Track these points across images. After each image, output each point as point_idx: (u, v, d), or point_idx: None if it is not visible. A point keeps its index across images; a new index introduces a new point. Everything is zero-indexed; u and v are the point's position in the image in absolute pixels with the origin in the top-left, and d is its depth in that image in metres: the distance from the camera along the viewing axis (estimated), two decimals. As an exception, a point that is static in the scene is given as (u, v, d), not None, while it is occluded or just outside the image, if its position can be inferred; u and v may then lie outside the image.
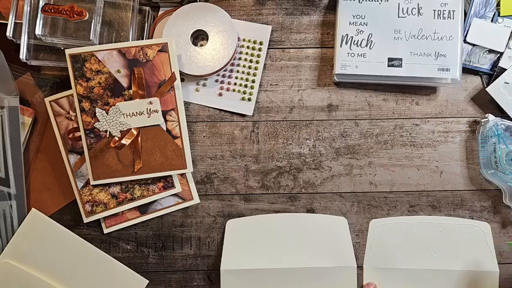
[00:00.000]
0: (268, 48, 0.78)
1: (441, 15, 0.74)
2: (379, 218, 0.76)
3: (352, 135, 0.78)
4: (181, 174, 0.76)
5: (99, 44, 0.72)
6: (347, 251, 0.75)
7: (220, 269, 0.74)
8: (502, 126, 0.74)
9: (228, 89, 0.78)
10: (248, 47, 0.78)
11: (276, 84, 0.78)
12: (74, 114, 0.76)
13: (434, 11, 0.74)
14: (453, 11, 0.74)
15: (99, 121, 0.73)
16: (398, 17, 0.75)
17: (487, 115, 0.75)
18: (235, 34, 0.76)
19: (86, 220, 0.75)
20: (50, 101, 0.76)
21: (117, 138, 0.72)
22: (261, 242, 0.75)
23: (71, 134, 0.75)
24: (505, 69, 0.75)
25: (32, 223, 0.74)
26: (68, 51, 0.72)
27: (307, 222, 0.76)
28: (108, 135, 0.73)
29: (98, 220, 0.76)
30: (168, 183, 0.75)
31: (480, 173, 0.77)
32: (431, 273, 0.74)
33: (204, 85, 0.78)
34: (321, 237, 0.75)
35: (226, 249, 0.75)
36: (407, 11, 0.75)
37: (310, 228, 0.76)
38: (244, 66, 0.78)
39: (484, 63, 0.77)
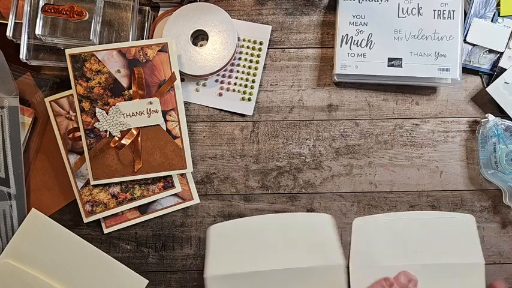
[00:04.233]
0: (268, 48, 0.78)
1: (441, 15, 0.74)
2: (361, 217, 0.76)
3: (352, 135, 0.78)
4: (181, 174, 0.76)
5: (99, 44, 0.72)
6: (334, 249, 0.74)
7: (204, 276, 0.74)
8: (502, 126, 0.74)
9: (228, 89, 0.78)
10: (248, 47, 0.78)
11: (276, 84, 0.78)
12: (74, 114, 0.76)
13: (434, 11, 0.74)
14: (453, 11, 0.74)
15: (99, 121, 0.73)
16: (398, 17, 0.75)
17: (487, 115, 0.75)
18: (235, 34, 0.76)
19: (86, 220, 0.75)
20: (50, 101, 0.76)
21: (117, 138, 0.73)
22: (246, 246, 0.74)
23: (71, 134, 0.75)
24: (505, 69, 0.75)
25: (32, 223, 0.74)
26: (68, 51, 0.72)
27: (290, 222, 0.75)
28: (108, 135, 0.73)
29: (98, 220, 0.76)
30: (168, 183, 0.75)
31: (480, 173, 0.77)
32: (417, 268, 0.74)
33: (204, 85, 0.78)
34: (306, 236, 0.74)
35: (210, 256, 0.74)
36: (407, 11, 0.75)
37: (294, 228, 0.75)
38: (244, 66, 0.78)
39: (484, 63, 0.77)
